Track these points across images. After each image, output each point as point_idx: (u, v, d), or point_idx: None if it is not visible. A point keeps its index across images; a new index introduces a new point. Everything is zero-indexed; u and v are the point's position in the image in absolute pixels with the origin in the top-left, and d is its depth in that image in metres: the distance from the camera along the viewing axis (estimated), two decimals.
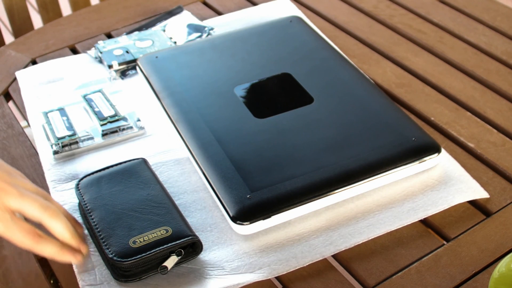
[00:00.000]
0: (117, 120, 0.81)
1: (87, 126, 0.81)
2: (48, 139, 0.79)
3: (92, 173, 0.72)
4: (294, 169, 0.69)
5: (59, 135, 0.79)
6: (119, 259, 0.61)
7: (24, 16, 1.21)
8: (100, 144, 0.79)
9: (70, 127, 0.80)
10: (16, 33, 1.22)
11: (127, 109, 0.84)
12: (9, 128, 0.84)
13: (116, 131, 0.80)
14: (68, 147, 0.78)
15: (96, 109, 0.83)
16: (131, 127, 0.81)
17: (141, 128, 0.81)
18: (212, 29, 0.98)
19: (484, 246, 0.67)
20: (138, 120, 0.82)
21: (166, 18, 1.02)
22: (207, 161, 0.71)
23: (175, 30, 0.98)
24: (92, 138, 0.79)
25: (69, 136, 0.79)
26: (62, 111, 0.83)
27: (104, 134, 0.80)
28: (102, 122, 0.81)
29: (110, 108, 0.83)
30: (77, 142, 0.79)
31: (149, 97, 0.85)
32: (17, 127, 0.84)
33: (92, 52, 0.95)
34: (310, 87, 0.81)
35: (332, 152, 0.71)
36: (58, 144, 0.78)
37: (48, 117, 0.82)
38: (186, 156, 0.77)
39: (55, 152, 0.77)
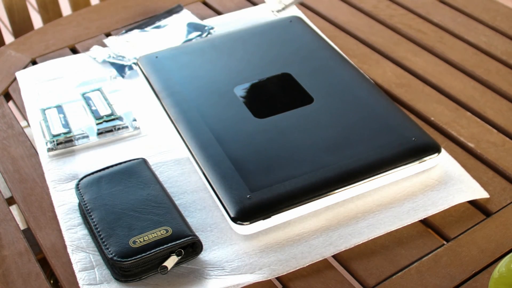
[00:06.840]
0: (113, 119, 0.81)
1: (83, 124, 0.81)
2: (44, 136, 0.79)
3: (92, 173, 0.72)
4: (294, 169, 0.69)
5: (54, 132, 0.79)
6: (119, 259, 0.61)
7: (24, 16, 1.21)
8: (95, 143, 0.79)
9: (66, 124, 0.80)
10: (16, 33, 1.22)
11: (124, 108, 0.84)
12: (9, 128, 0.84)
13: (111, 130, 0.80)
14: (62, 145, 0.78)
15: (93, 108, 0.83)
16: (127, 127, 0.81)
17: (137, 128, 0.81)
18: (212, 28, 0.98)
19: (484, 246, 0.67)
20: (134, 120, 0.82)
21: (165, 17, 1.02)
22: (207, 161, 0.71)
23: (175, 29, 0.98)
24: (87, 136, 0.79)
25: (64, 133, 0.79)
26: (59, 108, 0.83)
27: (99, 133, 0.80)
28: (98, 121, 0.81)
29: (107, 107, 0.83)
30: (72, 140, 0.79)
31: (148, 97, 0.85)
32: (17, 127, 0.84)
33: (95, 53, 0.95)
34: (310, 87, 0.81)
35: (332, 152, 0.71)
36: (53, 141, 0.78)
37: (45, 114, 0.82)
38: (186, 156, 0.77)
39: (50, 149, 0.77)
